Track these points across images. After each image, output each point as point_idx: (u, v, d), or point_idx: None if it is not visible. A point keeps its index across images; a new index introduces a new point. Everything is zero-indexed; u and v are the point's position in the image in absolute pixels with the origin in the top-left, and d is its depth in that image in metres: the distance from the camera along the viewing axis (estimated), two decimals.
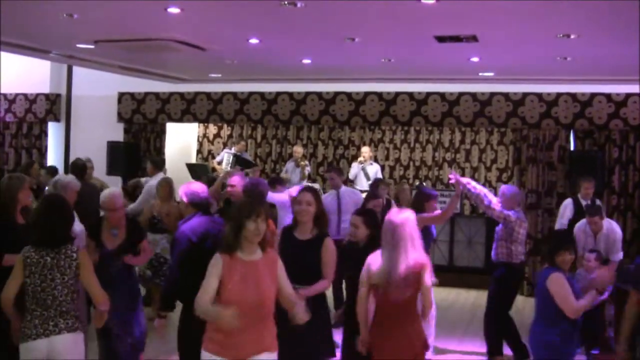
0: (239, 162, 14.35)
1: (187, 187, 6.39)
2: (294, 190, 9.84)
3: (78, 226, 6.37)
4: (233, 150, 15.12)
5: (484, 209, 8.22)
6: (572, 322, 5.76)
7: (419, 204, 7.83)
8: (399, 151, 15.60)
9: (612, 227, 9.01)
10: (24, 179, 6.55)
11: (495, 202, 8.13)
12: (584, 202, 9.99)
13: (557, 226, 10.34)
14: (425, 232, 7.33)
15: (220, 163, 15.09)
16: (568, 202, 10.25)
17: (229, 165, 14.59)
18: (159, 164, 11.36)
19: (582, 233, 8.99)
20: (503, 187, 8.58)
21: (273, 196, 9.57)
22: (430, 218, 7.74)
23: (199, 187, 6.45)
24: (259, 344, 4.62)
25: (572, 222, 9.68)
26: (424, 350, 5.49)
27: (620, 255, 8.97)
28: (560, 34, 7.82)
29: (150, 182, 10.65)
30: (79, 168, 10.58)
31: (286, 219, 8.65)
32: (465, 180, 8.19)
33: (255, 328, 4.59)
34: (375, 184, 10.35)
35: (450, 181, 8.34)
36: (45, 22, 8.33)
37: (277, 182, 9.90)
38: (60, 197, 5.63)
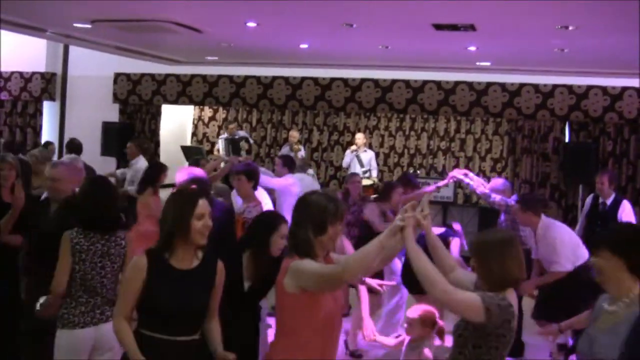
0: (233, 145, 14.37)
1: (188, 171, 6.43)
2: (289, 178, 9.85)
3: None
4: (225, 136, 15.13)
5: (486, 200, 8.34)
6: None
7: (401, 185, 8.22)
8: (393, 139, 15.61)
9: (547, 230, 7.17)
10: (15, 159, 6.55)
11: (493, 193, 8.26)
12: (601, 200, 9.08)
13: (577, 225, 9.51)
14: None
15: (219, 150, 15.15)
16: (587, 199, 9.55)
17: (224, 151, 14.61)
18: (143, 147, 11.41)
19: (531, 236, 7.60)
20: (493, 184, 8.62)
21: (271, 181, 9.62)
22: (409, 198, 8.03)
23: (199, 171, 6.49)
24: None
25: (590, 221, 9.09)
26: None
27: (557, 266, 7.01)
28: (558, 25, 7.82)
29: (141, 164, 10.74)
30: (75, 147, 10.59)
31: (286, 204, 8.71)
32: (462, 175, 8.28)
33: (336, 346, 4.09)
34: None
35: (449, 178, 8.41)
36: (42, 0, 8.30)
37: (288, 165, 9.83)
38: (105, 179, 5.54)
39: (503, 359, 3.77)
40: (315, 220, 3.81)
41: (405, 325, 5.39)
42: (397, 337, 6.11)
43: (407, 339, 5.48)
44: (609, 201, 8.99)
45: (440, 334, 5.50)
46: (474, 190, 8.45)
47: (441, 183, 8.34)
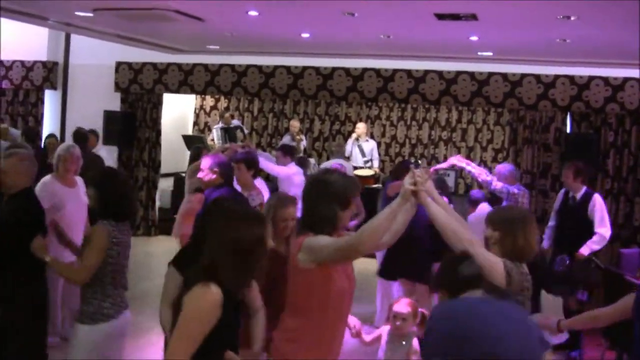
0: (229, 134, 14.42)
1: (214, 157, 6.58)
2: (292, 167, 9.95)
3: None
4: (220, 125, 15.15)
5: (487, 187, 8.35)
6: None
7: (398, 173, 8.21)
8: (395, 128, 15.64)
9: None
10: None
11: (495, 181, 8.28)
12: (571, 194, 8.86)
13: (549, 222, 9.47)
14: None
15: (213, 140, 15.17)
16: (559, 194, 9.35)
17: (220, 140, 14.66)
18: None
19: None
20: (499, 167, 8.67)
21: (274, 168, 9.76)
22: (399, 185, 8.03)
23: (223, 158, 6.69)
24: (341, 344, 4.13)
25: (560, 216, 9.02)
26: None
27: None
28: (560, 15, 7.81)
29: (101, 153, 10.97)
30: (80, 136, 10.62)
31: (289, 192, 8.83)
32: (464, 163, 8.27)
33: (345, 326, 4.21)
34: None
35: (448, 162, 8.37)
36: None
37: (290, 153, 10.12)
38: (116, 170, 5.58)
39: None
40: (340, 197, 3.93)
41: (398, 322, 5.23)
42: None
43: (385, 335, 5.38)
44: (578, 195, 8.71)
45: (423, 322, 5.47)
46: (475, 178, 8.46)
47: (439, 166, 8.27)
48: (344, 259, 3.89)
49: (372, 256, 8.95)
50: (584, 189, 8.66)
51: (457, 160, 8.36)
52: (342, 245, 3.80)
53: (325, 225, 3.90)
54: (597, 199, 8.55)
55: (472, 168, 8.29)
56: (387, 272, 8.17)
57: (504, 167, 8.69)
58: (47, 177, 7.20)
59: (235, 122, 15.55)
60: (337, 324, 4.02)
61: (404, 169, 8.39)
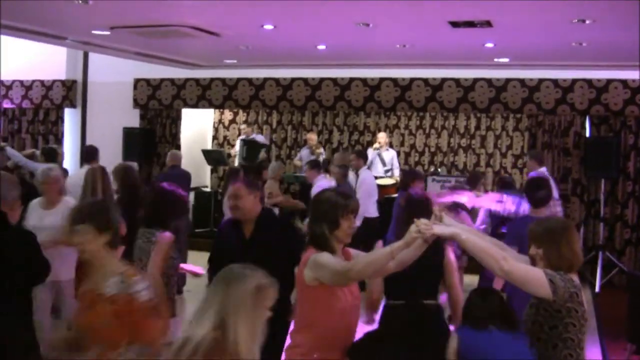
0: (248, 145, 14.41)
1: None
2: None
3: None
4: (243, 137, 15.18)
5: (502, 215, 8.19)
6: None
7: (406, 183, 8.22)
8: (414, 137, 15.61)
9: None
10: None
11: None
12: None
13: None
14: None
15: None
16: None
17: (238, 152, 14.66)
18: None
19: None
20: (532, 175, 8.65)
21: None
22: None
23: None
24: None
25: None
26: None
27: None
28: (575, 19, 7.78)
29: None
30: (85, 154, 10.66)
31: None
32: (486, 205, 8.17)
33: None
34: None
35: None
36: (61, 8, 8.37)
37: (319, 167, 10.61)
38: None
39: (584, 335, 3.88)
40: (328, 216, 4.01)
41: None
42: None
43: None
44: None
45: None
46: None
47: (443, 200, 7.84)
48: (338, 283, 3.95)
49: None
50: None
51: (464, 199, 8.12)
52: (338, 271, 3.88)
53: (320, 243, 4.00)
54: None
55: (481, 202, 8.14)
56: None
57: (536, 175, 8.67)
58: None
59: (260, 137, 15.47)
60: (345, 337, 4.08)
61: (410, 178, 8.43)
